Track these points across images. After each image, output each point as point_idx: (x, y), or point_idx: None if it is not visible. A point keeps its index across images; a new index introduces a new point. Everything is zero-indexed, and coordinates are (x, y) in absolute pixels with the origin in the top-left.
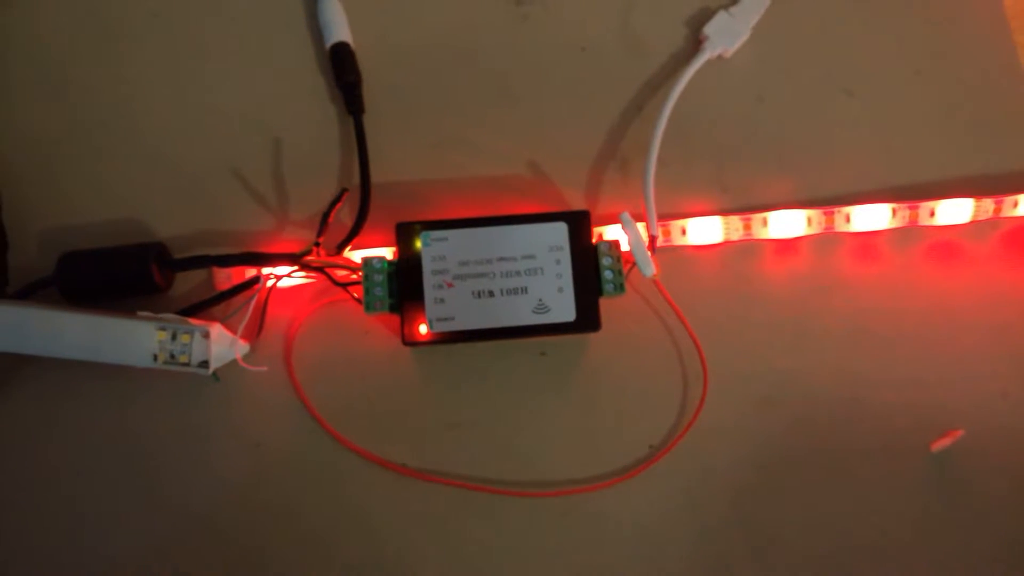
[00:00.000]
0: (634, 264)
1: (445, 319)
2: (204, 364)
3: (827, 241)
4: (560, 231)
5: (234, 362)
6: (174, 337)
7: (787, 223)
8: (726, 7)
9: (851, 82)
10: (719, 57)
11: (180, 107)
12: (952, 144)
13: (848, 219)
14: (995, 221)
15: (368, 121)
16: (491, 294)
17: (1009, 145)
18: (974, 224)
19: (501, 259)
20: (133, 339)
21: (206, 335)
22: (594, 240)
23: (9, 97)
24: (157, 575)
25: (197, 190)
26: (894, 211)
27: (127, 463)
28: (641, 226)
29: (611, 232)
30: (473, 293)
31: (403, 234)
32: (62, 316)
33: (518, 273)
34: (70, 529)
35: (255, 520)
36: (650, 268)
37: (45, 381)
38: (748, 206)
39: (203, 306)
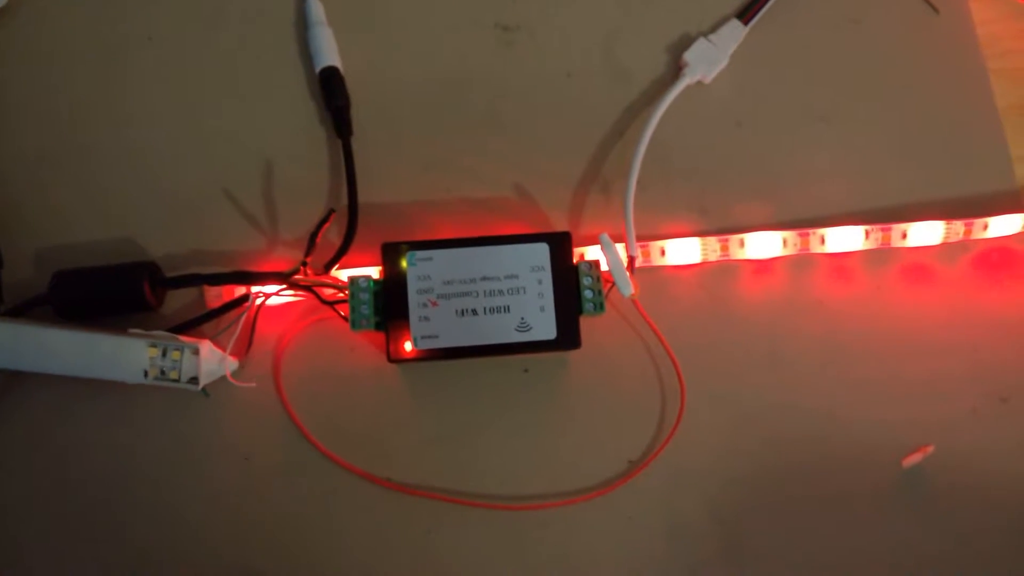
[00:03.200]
0: (614, 284)
1: (430, 337)
2: (194, 380)
3: (802, 262)
4: (542, 252)
5: (224, 378)
6: (165, 354)
7: (763, 244)
8: (705, 34)
9: (825, 109)
10: (699, 83)
11: (174, 129)
12: (924, 168)
13: (823, 240)
14: (965, 243)
15: (357, 144)
16: (475, 312)
17: (979, 170)
18: (945, 246)
19: (484, 278)
20: (125, 356)
21: (196, 352)
22: (576, 260)
23: (5, 115)
24: None
25: (189, 210)
26: (867, 233)
27: (119, 477)
28: (621, 247)
29: (592, 253)
30: (457, 311)
31: (389, 254)
32: (55, 333)
33: (501, 292)
34: (62, 544)
35: (244, 532)
36: (629, 288)
37: (37, 397)
38: (726, 228)
39: (194, 324)
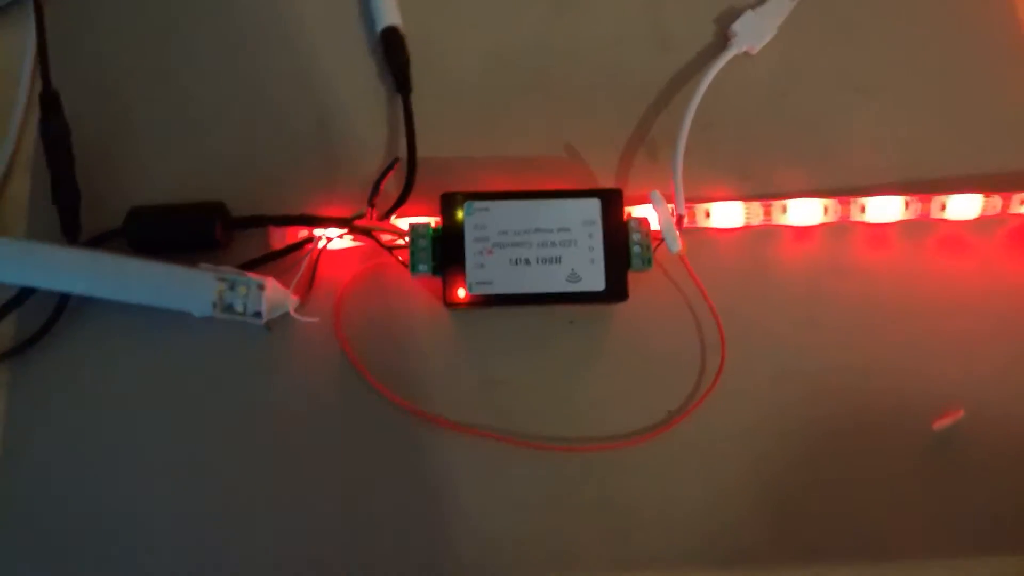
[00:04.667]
0: (661, 241)
1: (484, 283)
2: (258, 315)
3: (842, 230)
4: (594, 207)
5: (285, 316)
6: (232, 288)
7: (805, 211)
8: (753, 6)
9: (869, 81)
10: (745, 53)
11: (246, 77)
12: (965, 142)
13: (863, 209)
14: (1002, 217)
15: (415, 100)
16: (527, 262)
17: (1018, 144)
18: (982, 219)
19: (538, 230)
20: (195, 288)
21: (261, 287)
22: (624, 218)
23: (86, 58)
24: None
25: (258, 156)
26: (907, 204)
27: (181, 403)
28: (669, 206)
29: (639, 212)
30: (511, 260)
31: (447, 203)
32: (131, 262)
33: (553, 244)
34: (120, 461)
35: (298, 463)
36: (677, 244)
37: (110, 324)
38: (770, 195)
39: (259, 263)
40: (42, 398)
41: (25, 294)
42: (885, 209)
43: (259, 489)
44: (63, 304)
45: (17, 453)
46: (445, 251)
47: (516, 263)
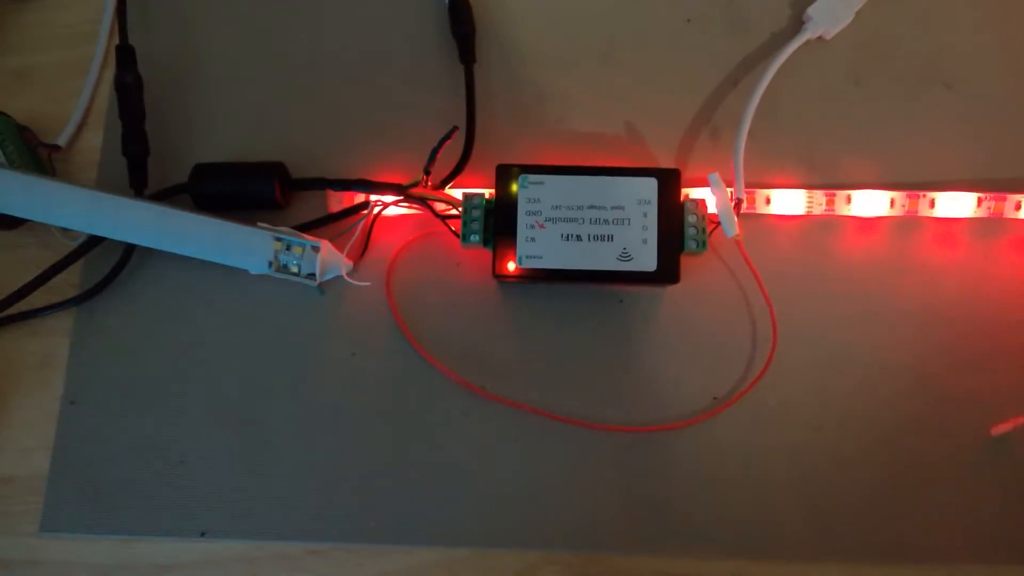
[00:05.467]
0: (717, 224)
1: (534, 257)
2: (312, 276)
3: (908, 224)
4: (650, 186)
5: (337, 279)
6: (288, 248)
7: (870, 202)
8: None
9: (950, 74)
10: (819, 38)
11: (310, 43)
12: None
13: (932, 204)
14: None
15: (478, 70)
16: (579, 238)
17: None
18: None
19: (592, 207)
20: (253, 246)
21: (316, 249)
22: (681, 199)
23: (162, 19)
24: (246, 464)
25: (320, 119)
26: (979, 201)
27: (234, 358)
28: (728, 190)
29: (697, 195)
30: (562, 236)
31: (502, 175)
32: (193, 218)
33: (606, 221)
34: (173, 410)
35: (342, 419)
36: (734, 229)
37: (170, 276)
38: (834, 183)
39: (315, 224)
40: (103, 345)
41: (92, 242)
42: (956, 205)
43: (304, 444)
44: (127, 255)
45: (79, 398)
46: (498, 223)
47: (568, 239)
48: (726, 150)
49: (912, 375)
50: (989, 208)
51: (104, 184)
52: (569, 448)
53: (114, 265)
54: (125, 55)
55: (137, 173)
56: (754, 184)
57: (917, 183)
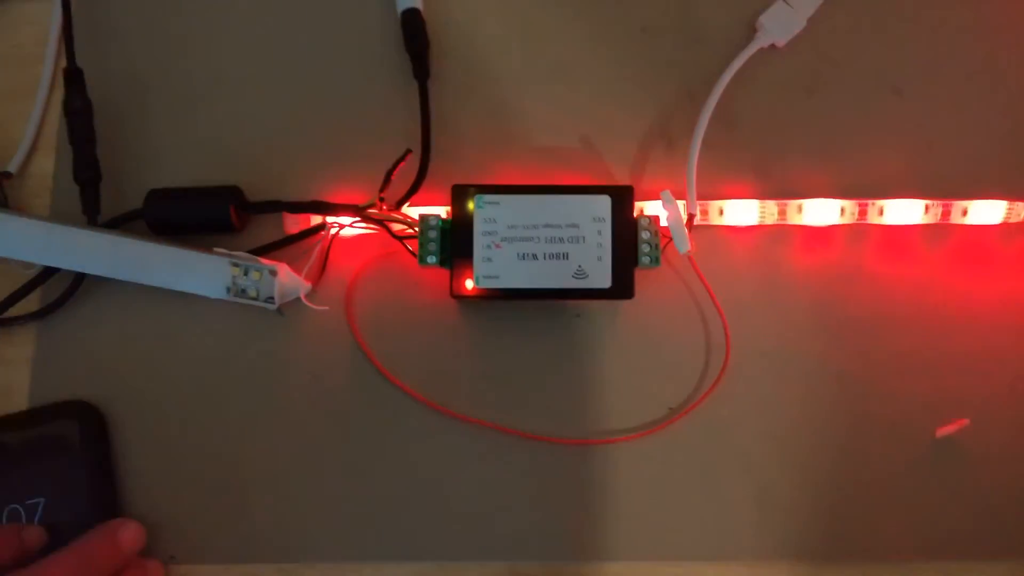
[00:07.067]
0: (671, 239)
1: (491, 277)
2: (271, 300)
3: (858, 232)
4: (604, 204)
5: (298, 301)
6: (246, 273)
7: (821, 211)
8: None
9: (901, 81)
10: (772, 47)
11: (263, 63)
12: (994, 146)
13: (881, 212)
14: None
15: (432, 86)
16: (535, 257)
17: None
18: (1005, 226)
19: (547, 225)
20: (209, 272)
21: (274, 273)
22: (636, 214)
23: (111, 41)
24: (211, 489)
25: (273, 142)
26: (927, 208)
27: (195, 384)
28: (681, 204)
29: (652, 208)
30: (518, 255)
31: (458, 196)
32: (148, 246)
33: (561, 240)
34: (130, 438)
35: (307, 445)
36: (685, 245)
37: (126, 305)
38: (786, 193)
39: (272, 248)
40: (60, 367)
41: (48, 272)
42: (904, 212)
43: (267, 466)
44: (78, 281)
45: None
46: (454, 243)
47: (524, 258)
48: (682, 161)
49: (861, 381)
50: (936, 215)
51: (57, 211)
52: (531, 462)
53: (65, 290)
54: (73, 78)
55: (90, 200)
56: (709, 195)
57: (867, 187)
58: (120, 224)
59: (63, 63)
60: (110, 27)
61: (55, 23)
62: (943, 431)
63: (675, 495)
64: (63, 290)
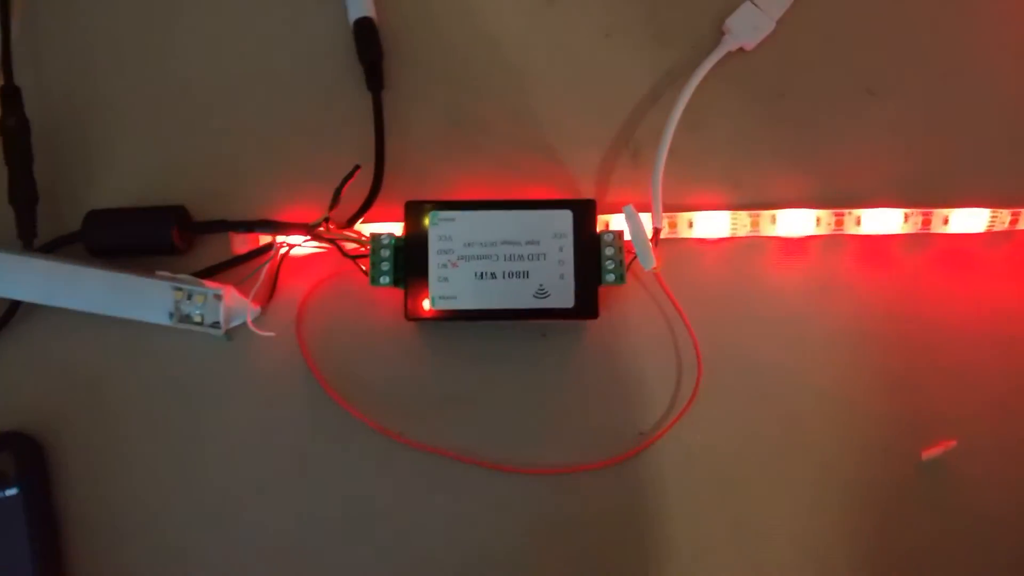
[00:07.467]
0: (636, 255)
1: (447, 297)
2: (216, 325)
3: (835, 243)
4: (565, 219)
5: (247, 324)
6: (190, 297)
7: (796, 222)
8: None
9: (874, 81)
10: (740, 50)
11: (208, 77)
12: (973, 152)
13: (859, 222)
14: (1010, 233)
15: (387, 97)
16: (493, 276)
17: None
18: (989, 234)
19: (506, 242)
20: (151, 297)
21: (219, 297)
22: (601, 228)
23: (50, 58)
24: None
25: (221, 157)
26: (906, 216)
27: (141, 414)
28: (647, 216)
29: (617, 221)
30: (476, 274)
31: (412, 212)
32: (85, 271)
33: (521, 257)
34: (73, 468)
35: (257, 474)
36: (650, 261)
37: (67, 333)
38: (759, 202)
39: (219, 269)
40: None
41: None
42: (883, 221)
43: (216, 496)
44: (15, 307)
45: None
46: (408, 262)
47: (482, 277)
48: (648, 171)
49: (842, 398)
50: (916, 223)
51: None
52: (492, 493)
53: (1, 316)
54: (10, 96)
55: (25, 223)
56: (677, 206)
57: (846, 197)
58: (57, 247)
59: (0, 80)
60: (50, 44)
61: None
62: (929, 453)
63: (647, 526)
64: None
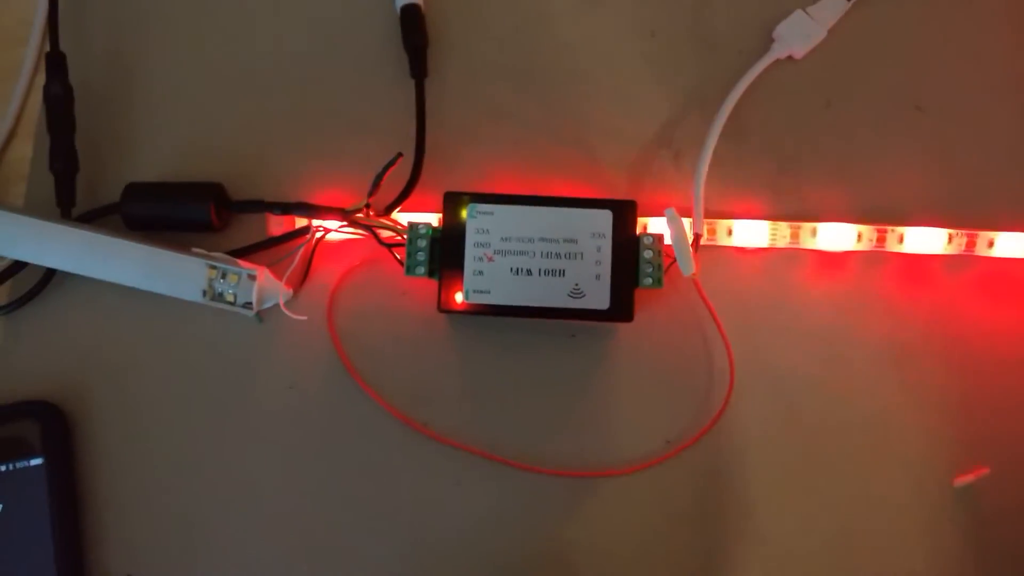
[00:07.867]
0: (675, 259)
1: (481, 291)
2: (248, 305)
3: (876, 258)
4: (605, 219)
5: (278, 306)
6: (223, 276)
7: (836, 236)
8: (804, 6)
9: (924, 97)
10: (789, 58)
11: (253, 56)
12: (1020, 176)
13: (901, 240)
14: None
15: (430, 85)
16: (529, 272)
17: None
18: None
19: (543, 239)
20: (185, 274)
21: (252, 277)
22: (638, 230)
23: (97, 26)
24: (177, 502)
25: (263, 137)
26: (950, 237)
27: (167, 389)
28: (687, 222)
29: (656, 224)
30: (512, 269)
31: (450, 203)
32: (121, 244)
33: (558, 255)
34: (99, 442)
35: (279, 457)
36: (690, 267)
37: (98, 303)
38: (800, 213)
39: (254, 249)
40: (25, 366)
41: (17, 266)
42: (926, 241)
43: (238, 479)
44: (49, 275)
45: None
46: (444, 254)
47: (517, 272)
48: (688, 173)
49: (875, 417)
50: (960, 245)
51: (32, 200)
52: (515, 491)
53: (34, 285)
54: (55, 63)
55: (64, 191)
56: (717, 213)
57: (888, 212)
58: (95, 218)
59: (47, 47)
60: (97, 11)
61: (40, 4)
62: (961, 480)
63: (667, 536)
64: (32, 285)
